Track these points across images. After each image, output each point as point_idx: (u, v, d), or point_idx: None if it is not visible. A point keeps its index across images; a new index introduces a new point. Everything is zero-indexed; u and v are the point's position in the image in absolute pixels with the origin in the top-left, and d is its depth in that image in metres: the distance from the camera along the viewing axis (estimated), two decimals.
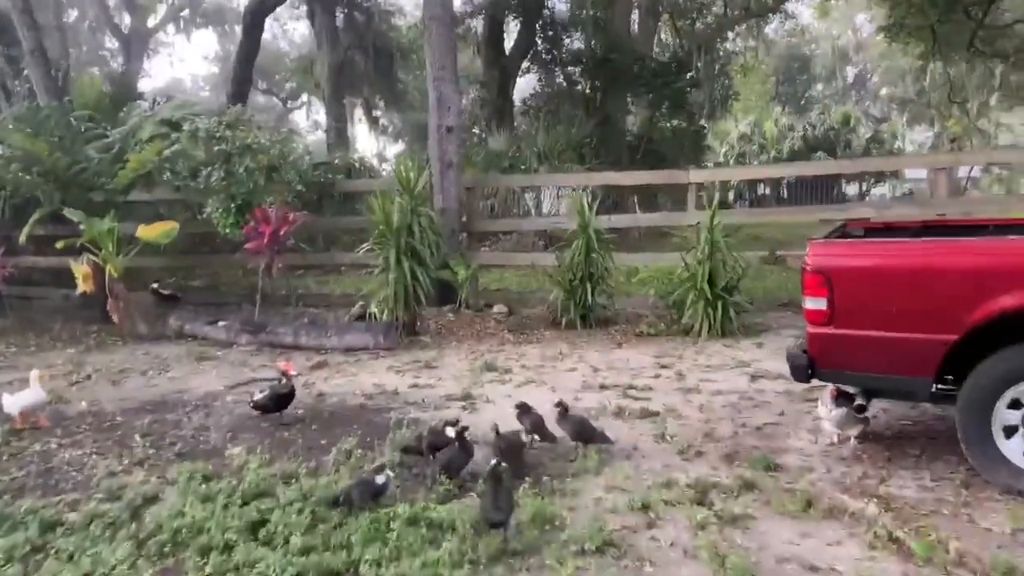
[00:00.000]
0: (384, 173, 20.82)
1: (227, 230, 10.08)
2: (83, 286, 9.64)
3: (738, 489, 4.17)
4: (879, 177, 41.08)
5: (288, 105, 45.87)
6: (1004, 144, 38.33)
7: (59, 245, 9.87)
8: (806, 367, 4.47)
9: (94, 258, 9.55)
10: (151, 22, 39.52)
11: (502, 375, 7.10)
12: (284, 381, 5.85)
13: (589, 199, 9.63)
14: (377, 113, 35.98)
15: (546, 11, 20.98)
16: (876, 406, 5.06)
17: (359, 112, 36.62)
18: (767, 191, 42.15)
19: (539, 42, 21.26)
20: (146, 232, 9.56)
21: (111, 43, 39.62)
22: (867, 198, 40.16)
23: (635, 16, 22.70)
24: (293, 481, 4.48)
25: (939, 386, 4.23)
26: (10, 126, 10.73)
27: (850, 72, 53.94)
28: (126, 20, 37.84)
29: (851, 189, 43.02)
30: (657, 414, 5.67)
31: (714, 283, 8.51)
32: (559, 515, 3.89)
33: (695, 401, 6.04)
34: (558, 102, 21.39)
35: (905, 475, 4.31)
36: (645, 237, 15.01)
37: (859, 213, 9.91)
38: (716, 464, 4.62)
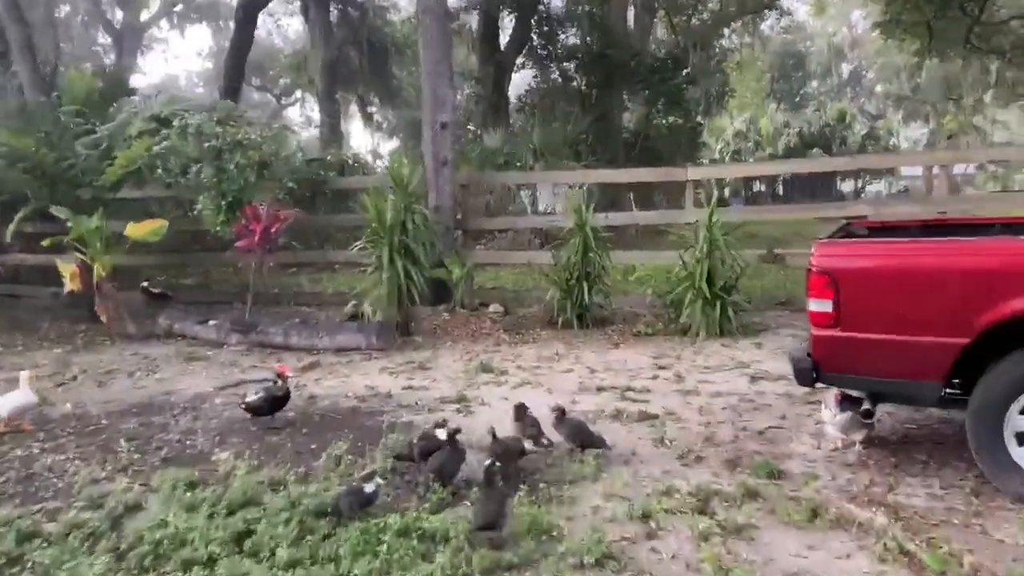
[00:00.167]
0: (379, 170, 20.67)
1: (217, 228, 9.92)
2: (70, 285, 9.48)
3: (741, 497, 4.03)
4: (874, 174, 41.15)
5: (282, 101, 45.64)
6: (999, 141, 38.34)
7: (45, 243, 9.70)
8: (811, 371, 4.33)
9: (81, 256, 9.38)
10: (144, 17, 39.28)
11: (498, 376, 6.96)
12: (279, 383, 5.66)
13: (586, 197, 9.49)
14: (372, 109, 35.82)
15: (541, 6, 20.87)
16: (880, 410, 4.93)
17: (353, 108, 36.46)
18: (762, 188, 42.13)
19: (534, 38, 21.14)
20: (135, 230, 9.38)
21: (104, 39, 39.37)
22: (862, 195, 40.21)
23: (631, 12, 22.58)
24: (281, 488, 4.33)
25: (949, 391, 4.09)
26: None
27: (845, 69, 53.96)
28: (119, 15, 37.60)
29: (846, 186, 43.06)
30: (656, 417, 5.53)
31: (712, 282, 8.38)
32: (556, 525, 3.75)
33: (694, 403, 5.91)
34: (554, 98, 21.30)
35: (913, 482, 4.18)
36: (641, 235, 14.89)
37: (857, 211, 9.79)
38: (717, 470, 4.49)
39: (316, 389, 6.74)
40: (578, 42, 21.38)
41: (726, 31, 27.33)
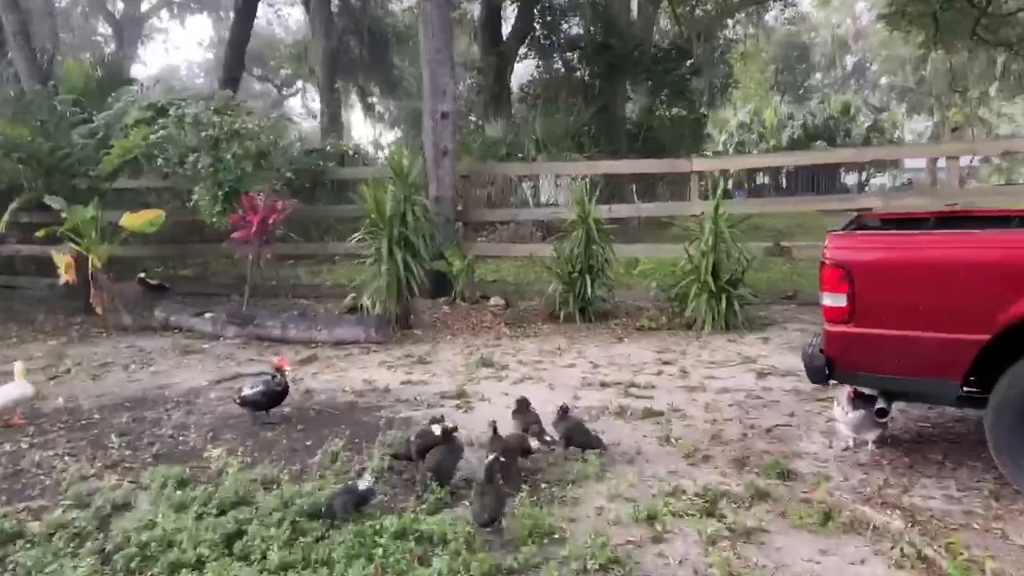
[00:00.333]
0: (379, 161, 20.49)
1: (214, 219, 9.76)
2: (65, 276, 9.32)
3: (750, 499, 3.89)
4: (878, 167, 40.97)
5: (283, 92, 45.38)
6: (1004, 134, 38.10)
7: (40, 234, 9.57)
8: (823, 368, 4.17)
9: (76, 247, 9.23)
10: (144, 7, 39.06)
11: (498, 371, 6.81)
12: (278, 377, 5.48)
13: (588, 188, 9.32)
14: (372, 100, 35.61)
15: None
16: (893, 408, 4.78)
17: (354, 99, 36.23)
18: (766, 180, 41.95)
19: (537, 27, 20.90)
20: (131, 220, 9.24)
21: (104, 29, 39.16)
22: (866, 188, 40.00)
23: (634, 2, 22.35)
24: (274, 486, 4.21)
25: (967, 389, 3.94)
26: None
27: (849, 61, 53.55)
28: (119, 5, 37.39)
29: (850, 179, 42.85)
30: (661, 414, 5.38)
31: (718, 275, 8.22)
32: (558, 527, 3.61)
33: (700, 400, 5.76)
34: (556, 89, 21.07)
35: (929, 484, 4.03)
36: (644, 227, 14.72)
37: (864, 203, 9.64)
38: (725, 470, 4.34)
39: (313, 383, 6.59)
40: (581, 32, 21.16)
41: (730, 22, 27.03)
